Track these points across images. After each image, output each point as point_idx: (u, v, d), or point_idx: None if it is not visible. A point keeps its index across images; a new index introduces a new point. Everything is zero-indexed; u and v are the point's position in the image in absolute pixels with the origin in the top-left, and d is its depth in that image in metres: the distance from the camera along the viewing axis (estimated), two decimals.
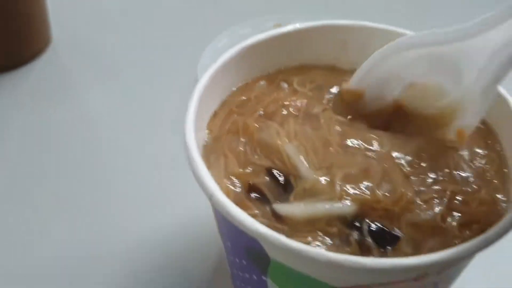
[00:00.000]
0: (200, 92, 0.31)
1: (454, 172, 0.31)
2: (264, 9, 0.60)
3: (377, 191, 0.29)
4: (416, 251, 0.28)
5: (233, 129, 0.32)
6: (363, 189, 0.29)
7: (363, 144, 0.31)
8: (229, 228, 0.29)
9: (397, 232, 0.28)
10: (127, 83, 0.51)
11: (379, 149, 0.31)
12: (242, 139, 0.32)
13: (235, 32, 0.52)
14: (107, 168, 0.44)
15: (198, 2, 0.61)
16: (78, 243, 0.39)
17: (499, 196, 0.30)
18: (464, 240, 0.26)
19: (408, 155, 0.31)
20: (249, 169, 0.30)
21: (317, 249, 0.25)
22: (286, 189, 0.30)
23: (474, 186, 0.30)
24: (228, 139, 0.32)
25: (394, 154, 0.31)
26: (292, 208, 0.29)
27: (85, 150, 0.46)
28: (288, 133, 0.32)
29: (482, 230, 0.27)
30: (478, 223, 0.29)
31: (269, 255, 0.27)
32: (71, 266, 0.38)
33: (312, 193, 0.29)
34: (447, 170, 0.30)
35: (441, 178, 0.30)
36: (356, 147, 0.31)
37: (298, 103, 0.34)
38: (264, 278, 0.29)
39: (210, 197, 0.27)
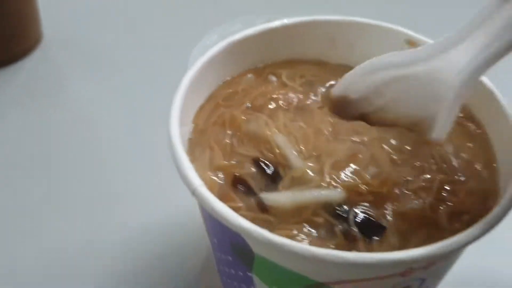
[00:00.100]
0: (185, 87, 0.31)
1: (441, 163, 0.30)
2: (255, 6, 0.59)
3: (364, 174, 0.29)
4: (403, 242, 0.27)
5: (219, 122, 0.32)
6: (351, 174, 0.29)
7: (353, 132, 0.31)
8: (214, 224, 0.29)
9: (383, 222, 0.28)
10: (117, 79, 0.51)
11: (367, 137, 0.31)
12: (228, 131, 0.32)
13: (226, 30, 0.51)
14: (97, 164, 0.44)
15: None
16: (64, 240, 0.39)
17: (488, 187, 0.30)
18: (452, 233, 0.26)
19: (396, 143, 0.31)
20: (234, 161, 0.30)
21: (300, 243, 0.25)
22: (274, 180, 0.29)
23: (462, 177, 0.30)
24: (214, 131, 0.32)
25: (382, 141, 0.31)
26: (279, 196, 0.29)
27: (76, 147, 0.45)
28: (277, 124, 0.32)
29: (471, 222, 0.27)
30: (467, 214, 0.28)
31: (253, 250, 0.27)
32: (57, 265, 0.37)
33: (301, 182, 0.29)
34: (433, 161, 0.30)
35: (428, 168, 0.30)
36: (346, 135, 0.31)
37: (292, 96, 0.34)
38: (249, 274, 0.29)
39: (193, 192, 0.27)
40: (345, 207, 0.28)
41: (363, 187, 0.29)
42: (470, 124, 0.33)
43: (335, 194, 0.28)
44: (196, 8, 0.60)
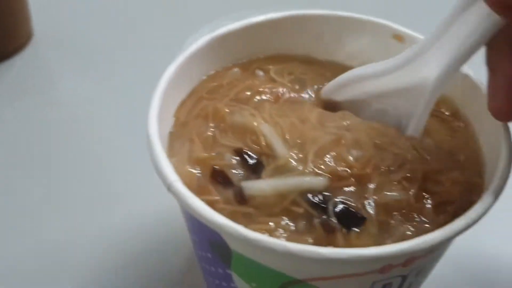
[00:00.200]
0: (166, 81, 0.31)
1: (426, 154, 0.30)
2: (248, 2, 0.59)
3: (347, 156, 0.29)
4: (384, 234, 0.27)
5: (202, 114, 0.32)
6: (334, 159, 0.29)
7: (340, 119, 0.31)
8: (192, 221, 0.29)
9: (364, 212, 0.27)
10: (108, 77, 0.51)
11: (352, 121, 0.31)
12: (211, 124, 0.31)
13: (218, 25, 0.51)
14: (84, 162, 0.44)
15: None
16: (46, 238, 0.39)
17: (473, 180, 0.29)
18: (438, 225, 0.26)
19: (380, 128, 0.31)
20: (215, 153, 0.30)
21: (275, 239, 0.24)
22: (256, 170, 0.29)
23: (447, 168, 0.30)
24: (197, 124, 0.31)
25: (366, 126, 0.31)
26: (260, 184, 0.28)
27: (66, 144, 0.45)
28: (263, 115, 0.31)
29: (456, 214, 0.26)
30: (453, 204, 0.28)
31: (230, 247, 0.27)
32: (37, 263, 0.37)
33: (284, 170, 0.29)
34: (415, 152, 0.30)
35: (412, 158, 0.29)
36: (332, 122, 0.31)
37: (280, 90, 0.33)
38: (228, 271, 0.29)
39: (168, 187, 0.26)
40: (326, 194, 0.28)
41: (346, 170, 0.28)
42: (455, 119, 0.33)
43: (317, 181, 0.28)
44: (187, 4, 0.59)
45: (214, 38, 0.34)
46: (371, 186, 0.28)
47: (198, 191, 0.28)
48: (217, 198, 0.28)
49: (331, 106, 0.34)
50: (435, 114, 0.32)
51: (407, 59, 0.30)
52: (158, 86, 0.30)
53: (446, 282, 0.37)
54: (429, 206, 0.28)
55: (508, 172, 0.27)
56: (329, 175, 0.28)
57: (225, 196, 0.28)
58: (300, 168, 0.28)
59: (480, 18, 0.26)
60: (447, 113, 0.33)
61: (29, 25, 0.54)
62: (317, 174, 0.28)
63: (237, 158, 0.29)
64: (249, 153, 0.29)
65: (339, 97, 0.33)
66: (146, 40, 0.54)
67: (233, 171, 0.29)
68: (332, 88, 0.34)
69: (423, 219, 0.28)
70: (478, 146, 0.31)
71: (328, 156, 0.29)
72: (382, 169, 0.29)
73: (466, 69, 0.32)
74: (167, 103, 0.31)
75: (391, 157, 0.29)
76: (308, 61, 0.36)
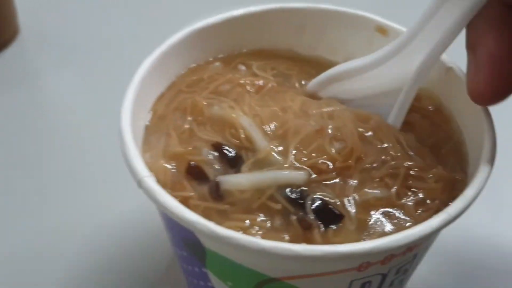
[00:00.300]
0: (141, 74, 0.30)
1: (409, 150, 0.29)
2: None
3: (329, 148, 0.28)
4: (363, 231, 0.26)
5: (180, 108, 0.31)
6: (316, 151, 0.28)
7: (324, 105, 0.31)
8: (166, 218, 0.28)
9: (343, 210, 0.27)
10: (95, 73, 0.50)
11: (336, 107, 0.30)
12: (189, 117, 0.30)
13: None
14: (71, 158, 0.43)
15: None
16: (23, 238, 0.38)
17: (456, 175, 0.29)
18: (419, 222, 0.25)
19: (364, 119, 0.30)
20: (192, 147, 0.29)
21: (248, 236, 0.24)
22: (234, 165, 0.28)
23: (430, 164, 0.29)
24: (174, 117, 0.30)
25: (351, 113, 0.30)
26: (237, 178, 0.27)
27: (51, 139, 0.45)
28: (243, 107, 0.30)
29: (438, 210, 0.26)
30: (435, 201, 0.27)
31: (203, 244, 0.26)
32: (9, 267, 0.36)
33: (264, 164, 0.28)
34: (399, 146, 0.29)
35: (395, 154, 0.29)
36: (316, 109, 0.30)
37: (261, 83, 0.33)
38: (204, 270, 0.28)
39: (139, 183, 0.26)
40: (305, 189, 0.27)
41: (327, 163, 0.28)
42: (438, 113, 0.32)
43: (296, 175, 0.27)
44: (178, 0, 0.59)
45: (192, 31, 0.33)
46: (352, 182, 0.28)
47: (173, 187, 0.27)
48: (191, 194, 0.27)
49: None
50: (418, 109, 0.32)
51: (390, 53, 0.30)
52: (133, 79, 0.30)
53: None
54: (410, 203, 0.27)
55: (490, 167, 0.27)
56: (309, 169, 0.27)
57: (200, 192, 0.27)
58: (281, 161, 0.28)
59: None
60: (430, 108, 0.32)
61: (15, 21, 0.53)
62: (297, 168, 0.27)
63: (215, 153, 0.29)
64: (227, 147, 0.29)
65: (324, 94, 0.33)
66: (131, 36, 0.54)
67: (211, 166, 0.28)
68: (317, 84, 0.33)
69: (404, 217, 0.27)
70: (461, 140, 0.31)
71: (309, 148, 0.28)
72: (364, 166, 0.28)
73: (450, 62, 0.31)
74: (144, 96, 0.30)
75: (374, 152, 0.29)
76: (292, 58, 0.36)
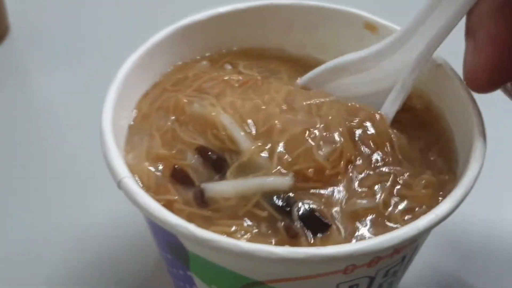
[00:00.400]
0: (124, 73, 0.30)
1: (398, 153, 0.29)
2: None
3: (317, 153, 0.27)
4: (350, 240, 0.26)
5: (164, 106, 0.30)
6: (302, 155, 0.27)
7: (314, 98, 0.30)
8: (149, 221, 0.27)
9: (330, 219, 0.26)
10: (85, 71, 0.49)
11: (325, 98, 0.30)
12: (172, 117, 0.29)
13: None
14: (60, 158, 0.43)
15: None
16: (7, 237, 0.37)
17: (445, 177, 0.28)
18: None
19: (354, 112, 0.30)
20: (176, 150, 0.28)
21: (230, 238, 0.23)
22: (219, 170, 0.27)
23: (419, 168, 0.28)
24: (158, 116, 0.30)
25: (340, 106, 0.30)
26: (222, 186, 0.27)
27: (41, 138, 0.44)
28: (223, 104, 0.29)
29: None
30: (421, 207, 0.27)
31: (186, 248, 0.25)
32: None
33: (249, 168, 0.27)
34: (389, 150, 0.29)
35: (384, 158, 0.28)
36: (303, 100, 0.29)
37: (246, 78, 0.32)
38: (189, 273, 0.27)
39: (118, 183, 0.25)
40: (291, 195, 0.26)
41: (313, 170, 0.27)
42: (428, 112, 0.31)
43: (282, 181, 0.26)
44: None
45: (177, 29, 0.32)
46: (341, 190, 0.27)
47: (156, 190, 0.27)
48: (175, 198, 0.26)
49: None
50: (409, 108, 0.31)
51: (388, 48, 0.30)
52: (116, 77, 0.29)
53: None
54: (398, 211, 0.27)
55: (480, 166, 0.26)
56: (296, 175, 0.27)
57: (184, 197, 0.27)
58: (266, 165, 0.27)
59: None
60: (420, 107, 0.31)
61: (5, 20, 0.52)
62: (282, 174, 0.27)
63: (199, 156, 0.28)
64: (210, 153, 0.28)
65: (318, 86, 0.32)
66: (122, 34, 0.53)
67: (195, 170, 0.28)
68: (308, 80, 0.32)
69: (392, 224, 0.26)
70: (451, 138, 0.30)
71: (296, 152, 0.27)
72: (353, 174, 0.27)
73: (439, 59, 0.31)
74: (128, 95, 0.30)
75: (365, 156, 0.28)
76: (281, 57, 0.35)
